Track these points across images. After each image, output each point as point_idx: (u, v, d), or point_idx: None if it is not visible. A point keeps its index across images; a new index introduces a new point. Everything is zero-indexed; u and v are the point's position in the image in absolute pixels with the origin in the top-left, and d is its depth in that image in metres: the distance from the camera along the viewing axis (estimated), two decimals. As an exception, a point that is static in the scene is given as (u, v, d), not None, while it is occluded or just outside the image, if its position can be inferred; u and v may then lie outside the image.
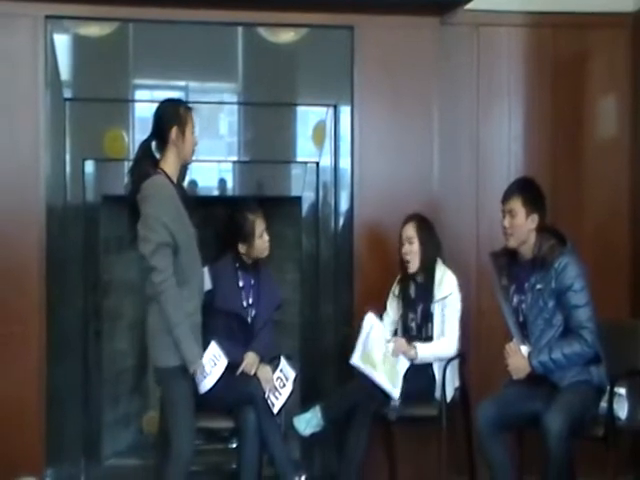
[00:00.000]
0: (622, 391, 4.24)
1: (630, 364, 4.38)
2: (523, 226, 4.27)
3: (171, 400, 4.04)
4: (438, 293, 4.72)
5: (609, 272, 5.26)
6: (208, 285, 4.43)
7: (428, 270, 4.75)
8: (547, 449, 3.96)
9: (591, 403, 4.20)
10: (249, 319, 4.71)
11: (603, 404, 4.22)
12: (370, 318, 4.70)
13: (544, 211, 4.32)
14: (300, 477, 4.48)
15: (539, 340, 4.21)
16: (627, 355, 4.42)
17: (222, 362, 4.19)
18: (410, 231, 4.78)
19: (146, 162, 4.04)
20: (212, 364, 4.12)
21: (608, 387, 4.20)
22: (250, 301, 4.72)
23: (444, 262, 4.82)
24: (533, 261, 4.27)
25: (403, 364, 4.64)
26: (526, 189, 4.35)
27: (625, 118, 5.50)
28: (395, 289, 4.90)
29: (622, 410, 4.22)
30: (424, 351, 4.64)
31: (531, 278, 4.26)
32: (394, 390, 4.55)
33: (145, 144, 4.11)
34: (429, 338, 4.72)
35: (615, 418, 4.18)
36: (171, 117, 4.05)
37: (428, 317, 4.75)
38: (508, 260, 4.39)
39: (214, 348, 4.20)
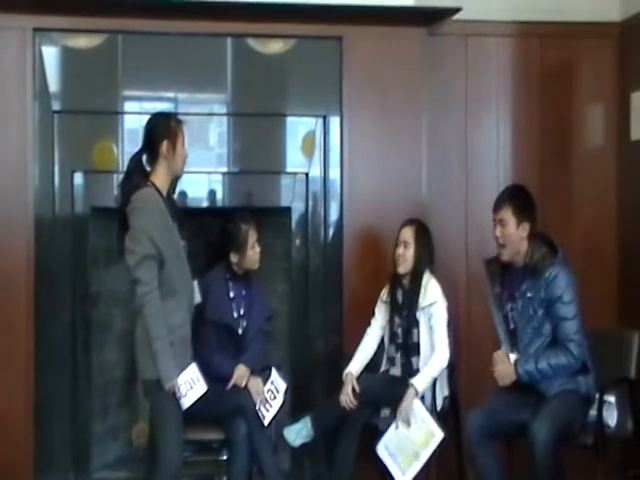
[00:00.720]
0: (611, 399, 4.30)
1: (619, 372, 4.43)
2: (514, 235, 4.30)
3: (159, 412, 4.03)
4: (423, 301, 4.74)
5: (597, 280, 5.33)
6: (198, 298, 4.41)
7: (417, 276, 4.78)
8: (534, 458, 3.99)
9: (578, 412, 4.24)
10: (240, 330, 4.73)
11: (592, 412, 4.26)
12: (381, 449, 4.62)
13: (535, 218, 4.35)
14: None
15: (528, 348, 4.25)
16: (616, 363, 4.47)
17: (200, 387, 4.07)
18: (407, 235, 4.81)
19: (137, 175, 4.05)
20: (188, 387, 4.04)
21: (597, 395, 4.25)
22: (241, 312, 4.75)
23: (431, 271, 4.85)
24: (524, 268, 4.31)
25: (418, 408, 4.58)
26: (516, 197, 4.38)
27: (612, 126, 5.58)
28: (383, 294, 4.93)
29: (611, 418, 4.29)
30: (422, 381, 4.59)
31: (522, 285, 4.30)
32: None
33: (136, 157, 4.11)
34: (414, 345, 4.73)
35: (604, 426, 4.23)
36: (162, 131, 4.05)
37: (413, 323, 4.77)
38: (501, 267, 4.42)
39: (193, 371, 4.08)
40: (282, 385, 4.71)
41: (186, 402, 3.98)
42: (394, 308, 4.87)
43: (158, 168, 4.05)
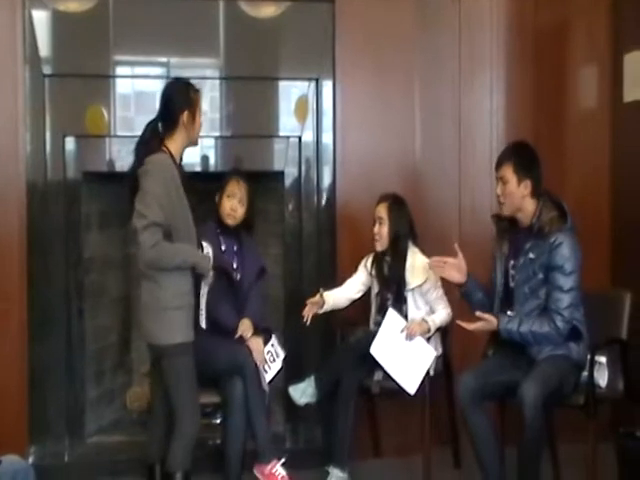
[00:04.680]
0: (602, 360, 4.43)
1: (611, 333, 4.55)
2: (515, 193, 4.36)
3: (175, 377, 4.11)
4: (412, 280, 4.85)
5: (590, 241, 5.21)
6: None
7: (396, 251, 4.90)
8: (523, 418, 4.09)
9: (568, 377, 4.32)
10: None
11: (584, 373, 4.37)
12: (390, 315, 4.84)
13: (538, 176, 4.40)
14: (279, 460, 4.64)
15: (522, 307, 4.35)
16: (608, 324, 4.57)
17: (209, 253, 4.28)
18: (381, 211, 4.91)
19: (153, 140, 4.11)
20: (206, 250, 4.25)
21: (589, 356, 4.36)
22: (234, 265, 4.89)
23: (415, 243, 4.95)
24: (530, 228, 4.37)
25: (427, 353, 4.77)
26: (518, 154, 4.42)
27: (605, 88, 5.66)
28: (367, 262, 5.03)
29: (602, 378, 4.43)
30: (435, 320, 4.80)
31: (526, 244, 4.36)
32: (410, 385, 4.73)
33: (153, 124, 4.16)
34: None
35: (595, 386, 4.37)
36: (183, 101, 4.12)
37: (401, 300, 4.91)
38: (509, 224, 4.49)
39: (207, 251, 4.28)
40: (281, 353, 4.85)
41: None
42: (382, 283, 4.97)
43: (175, 136, 4.13)
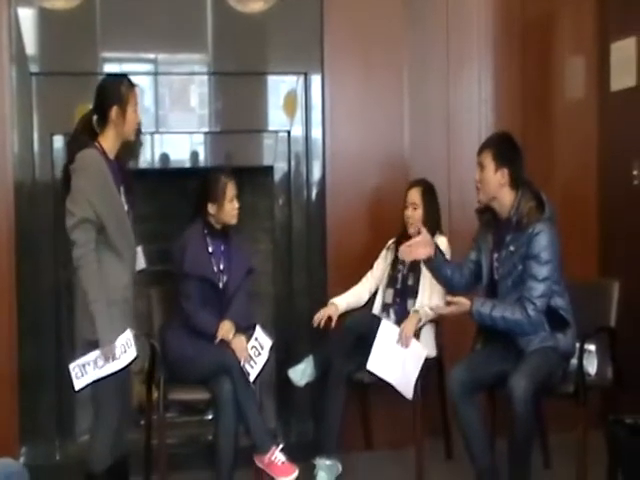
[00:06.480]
0: (592, 348, 4.58)
1: (599, 322, 4.71)
2: (492, 180, 4.46)
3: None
4: None
5: (577, 230, 5.57)
6: (142, 264, 4.50)
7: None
8: (512, 411, 4.21)
9: (557, 368, 4.46)
10: (220, 285, 4.91)
11: (573, 361, 4.52)
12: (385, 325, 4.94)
13: (518, 166, 4.48)
14: (277, 446, 4.70)
15: (505, 298, 4.44)
16: (597, 313, 4.73)
17: (131, 352, 4.14)
18: (415, 196, 5.09)
19: (85, 135, 4.16)
20: (122, 350, 4.10)
21: (578, 344, 4.50)
22: (221, 267, 4.92)
23: (441, 232, 5.13)
24: (509, 221, 4.47)
25: (420, 354, 4.89)
26: (499, 143, 4.54)
27: (592, 78, 5.84)
28: (387, 252, 5.20)
29: (592, 366, 4.57)
30: (425, 311, 4.92)
31: (506, 237, 4.48)
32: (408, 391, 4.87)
33: (85, 118, 4.23)
34: (412, 288, 5.06)
35: (585, 375, 4.51)
36: (112, 95, 4.16)
37: (416, 270, 5.04)
38: (492, 217, 4.59)
39: (128, 335, 4.15)
40: (267, 342, 4.88)
41: (117, 365, 4.10)
42: (397, 258, 5.09)
43: (107, 131, 4.18)
